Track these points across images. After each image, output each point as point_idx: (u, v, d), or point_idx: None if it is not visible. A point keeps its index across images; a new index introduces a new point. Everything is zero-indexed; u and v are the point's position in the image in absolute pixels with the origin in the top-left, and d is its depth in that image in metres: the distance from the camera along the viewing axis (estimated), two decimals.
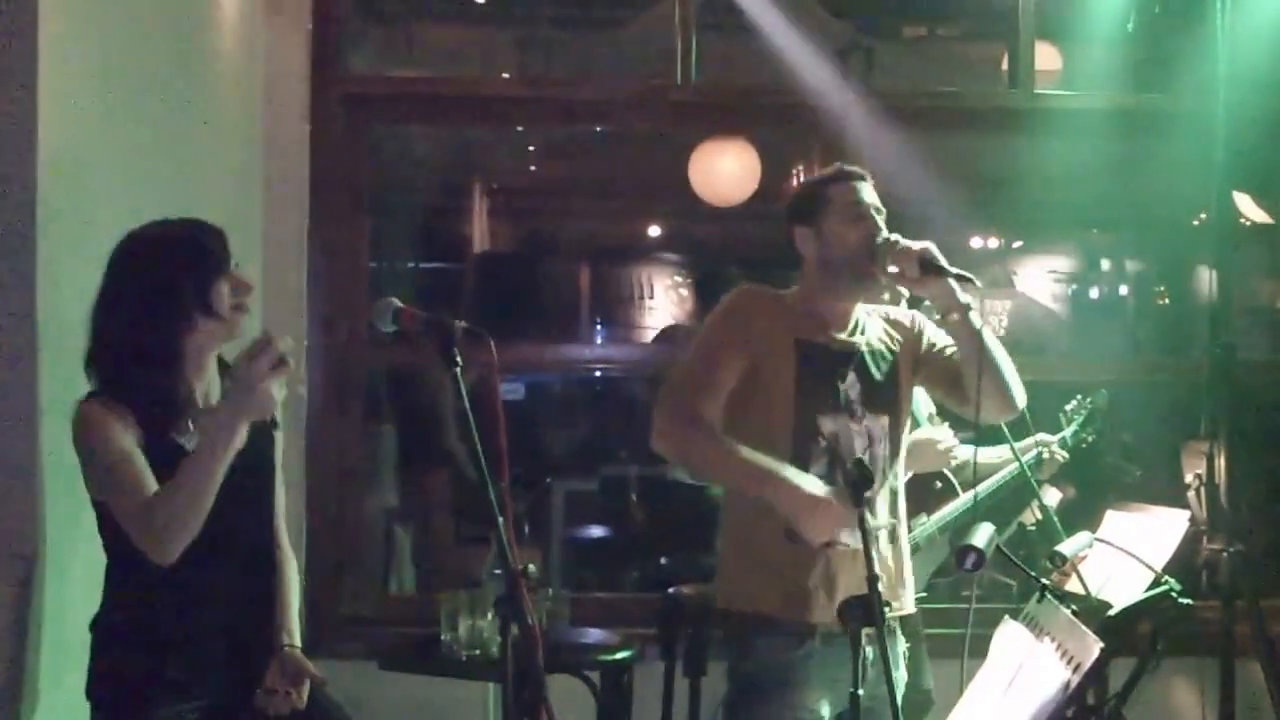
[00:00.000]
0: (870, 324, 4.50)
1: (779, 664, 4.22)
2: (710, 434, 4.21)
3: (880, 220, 4.38)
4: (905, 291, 4.64)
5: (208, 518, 3.68)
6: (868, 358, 4.41)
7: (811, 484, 4.11)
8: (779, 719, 4.22)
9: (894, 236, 4.29)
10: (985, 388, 4.31)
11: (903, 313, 4.62)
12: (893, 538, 4.42)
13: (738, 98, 6.91)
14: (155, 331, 3.83)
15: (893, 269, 4.26)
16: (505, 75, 7.30)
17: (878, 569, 3.99)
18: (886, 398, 4.42)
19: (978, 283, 4.31)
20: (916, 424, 5.13)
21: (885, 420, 4.40)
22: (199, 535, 3.67)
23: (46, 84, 3.97)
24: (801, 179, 8.37)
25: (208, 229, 3.96)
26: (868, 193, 4.44)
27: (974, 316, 4.28)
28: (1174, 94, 6.78)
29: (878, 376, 4.40)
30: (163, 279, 3.83)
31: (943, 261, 4.23)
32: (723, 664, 4.45)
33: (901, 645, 4.51)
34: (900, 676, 4.44)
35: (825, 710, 4.27)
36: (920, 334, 4.56)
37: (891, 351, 4.48)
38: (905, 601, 4.47)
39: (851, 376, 4.35)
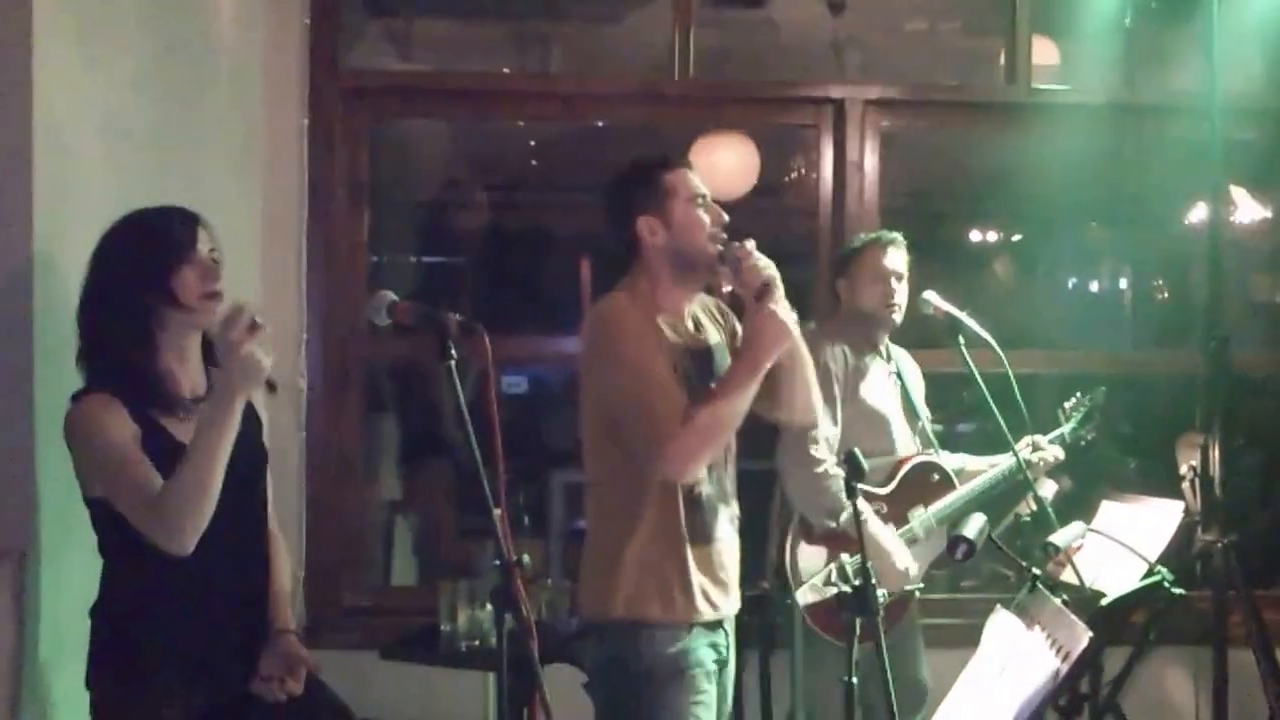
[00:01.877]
0: (701, 317, 4.47)
1: (671, 656, 4.19)
2: (698, 418, 4.06)
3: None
4: None
5: None
6: (718, 353, 4.40)
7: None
8: (680, 707, 4.19)
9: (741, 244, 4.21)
10: (805, 398, 4.43)
11: (710, 301, 4.55)
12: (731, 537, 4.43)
13: (736, 92, 6.92)
14: (125, 322, 3.85)
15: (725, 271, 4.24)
16: (505, 70, 7.30)
17: (727, 574, 4.30)
18: None
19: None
20: None
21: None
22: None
23: (41, 78, 4.00)
24: (801, 173, 8.44)
25: (175, 215, 3.95)
26: (700, 181, 4.38)
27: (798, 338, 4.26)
28: (1171, 88, 6.80)
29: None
30: (126, 269, 3.86)
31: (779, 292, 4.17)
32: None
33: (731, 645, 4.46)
34: (729, 673, 4.46)
35: (713, 694, 4.31)
36: (734, 327, 4.50)
37: (725, 344, 4.47)
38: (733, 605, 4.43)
39: (718, 373, 4.31)
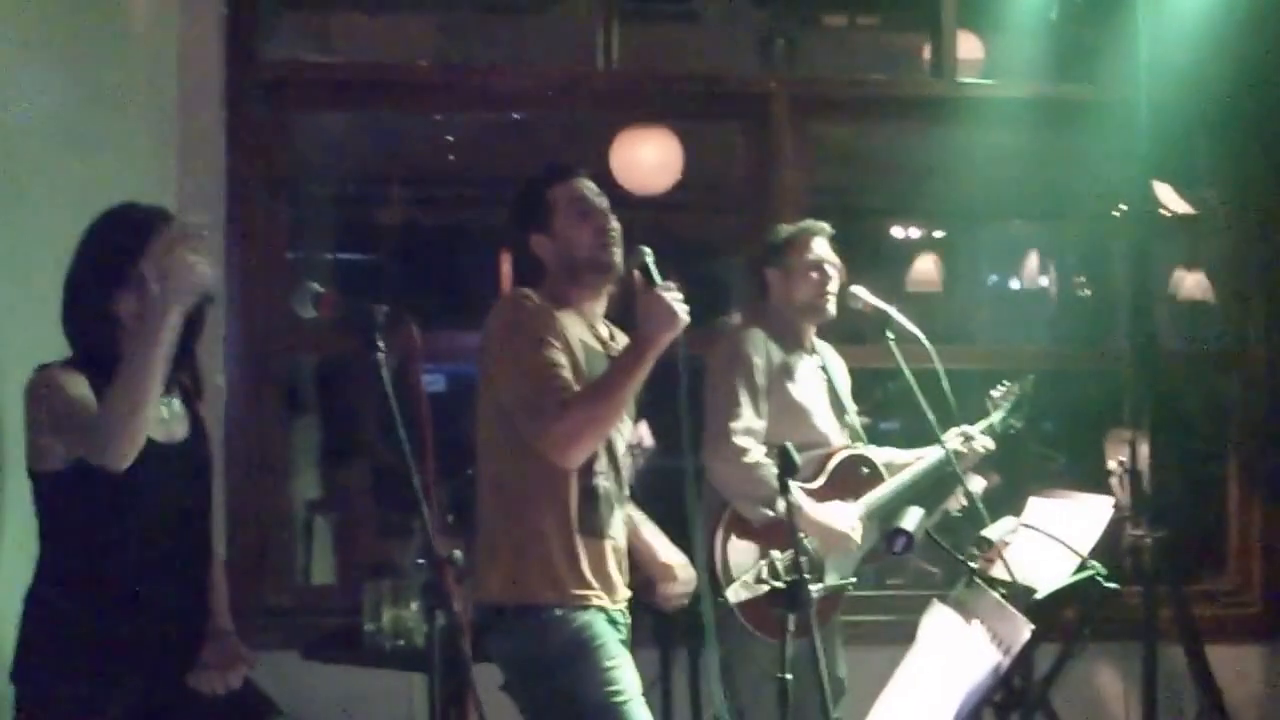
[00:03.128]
0: (616, 334, 4.61)
1: (574, 632, 4.27)
2: (583, 400, 4.17)
3: (607, 210, 4.48)
4: None
5: (148, 496, 3.73)
6: None
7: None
8: (598, 675, 4.25)
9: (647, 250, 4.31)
10: None
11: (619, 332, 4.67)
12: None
13: (659, 85, 6.86)
14: (84, 324, 3.88)
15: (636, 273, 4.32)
16: (423, 63, 7.22)
17: (617, 572, 4.40)
18: (633, 403, 4.51)
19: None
20: None
21: (627, 426, 4.54)
22: (135, 514, 3.71)
23: None
24: (725, 167, 8.40)
25: (126, 226, 3.93)
26: (589, 187, 4.53)
27: None
28: (1096, 84, 6.81)
29: None
30: (75, 282, 3.91)
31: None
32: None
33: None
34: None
35: (628, 658, 4.39)
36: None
37: None
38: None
39: None
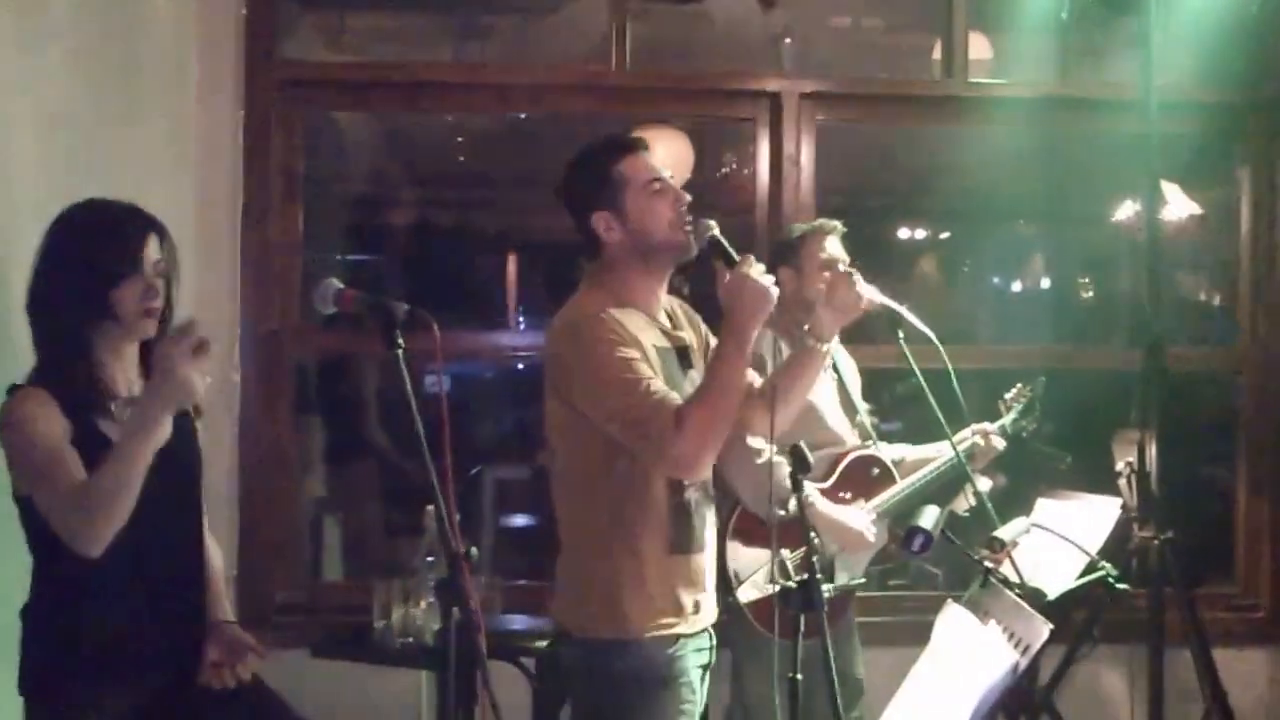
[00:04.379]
0: (679, 315, 4.40)
1: (657, 666, 4.09)
2: (694, 412, 3.90)
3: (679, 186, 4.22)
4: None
5: (139, 505, 3.62)
6: (694, 354, 4.32)
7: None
8: (665, 717, 4.11)
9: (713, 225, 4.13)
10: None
11: (678, 302, 4.47)
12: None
13: (670, 85, 6.86)
14: (61, 324, 3.81)
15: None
16: (437, 62, 7.23)
17: (710, 581, 4.24)
18: None
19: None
20: None
21: None
22: (129, 523, 3.62)
23: None
24: (733, 167, 8.41)
25: (127, 224, 3.88)
26: (657, 161, 4.23)
27: None
28: (1107, 84, 6.81)
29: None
30: (65, 275, 3.81)
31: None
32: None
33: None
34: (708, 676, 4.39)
35: (698, 703, 4.25)
36: (702, 328, 4.46)
37: (700, 346, 4.40)
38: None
39: (692, 374, 4.22)
